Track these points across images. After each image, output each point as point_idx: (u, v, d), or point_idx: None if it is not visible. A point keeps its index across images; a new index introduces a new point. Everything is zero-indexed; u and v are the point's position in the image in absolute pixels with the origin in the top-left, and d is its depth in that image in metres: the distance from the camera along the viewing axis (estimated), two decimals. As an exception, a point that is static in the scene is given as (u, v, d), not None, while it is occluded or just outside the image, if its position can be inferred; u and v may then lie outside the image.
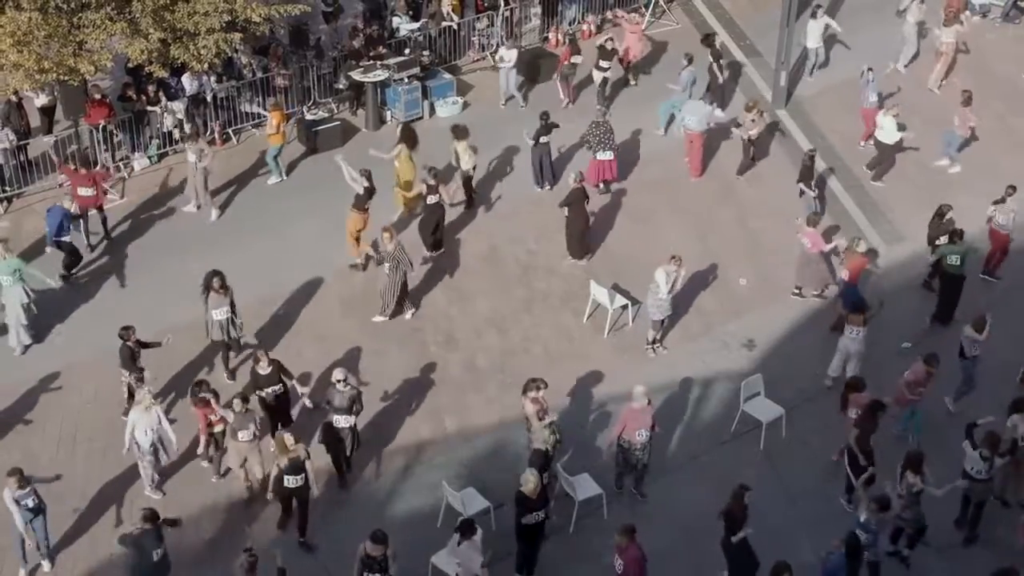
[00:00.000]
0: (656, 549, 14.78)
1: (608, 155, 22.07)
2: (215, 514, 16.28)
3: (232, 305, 17.81)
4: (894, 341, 19.20)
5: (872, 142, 23.58)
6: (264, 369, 16.62)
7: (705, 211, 22.47)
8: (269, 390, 16.65)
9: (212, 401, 16.20)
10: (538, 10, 27.20)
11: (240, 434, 15.95)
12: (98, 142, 22.23)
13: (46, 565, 15.43)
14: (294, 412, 16.93)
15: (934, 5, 26.81)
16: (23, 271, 18.46)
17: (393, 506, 16.59)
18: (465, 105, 25.18)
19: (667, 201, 22.70)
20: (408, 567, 14.78)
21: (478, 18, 26.71)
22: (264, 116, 23.07)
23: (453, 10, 26.29)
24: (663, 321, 19.02)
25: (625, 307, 19.76)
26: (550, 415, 16.02)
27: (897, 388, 17.14)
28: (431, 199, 20.55)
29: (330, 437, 16.31)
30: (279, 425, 16.74)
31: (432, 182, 20.47)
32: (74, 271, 20.04)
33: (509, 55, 24.96)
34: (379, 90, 24.41)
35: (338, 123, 24.06)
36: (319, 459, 16.14)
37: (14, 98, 21.97)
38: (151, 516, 14.23)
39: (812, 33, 26.10)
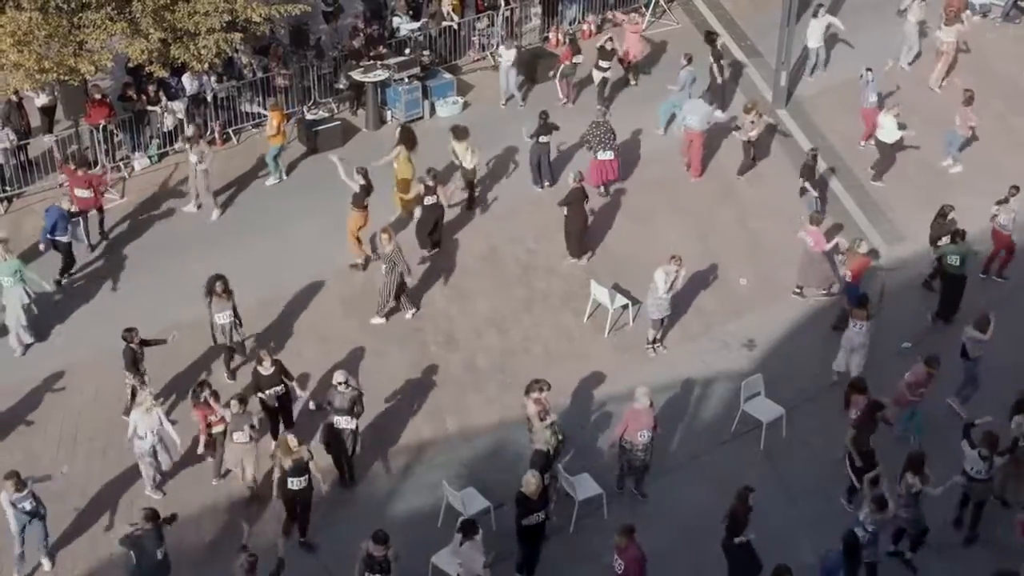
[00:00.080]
0: (656, 549, 14.78)
1: (608, 155, 22.06)
2: (215, 514, 16.29)
3: (234, 308, 17.81)
4: (894, 341, 19.20)
5: (872, 142, 23.59)
6: (266, 369, 16.62)
7: (705, 211, 22.47)
8: (270, 391, 16.65)
9: (212, 402, 16.21)
10: (538, 10, 27.19)
11: (235, 435, 15.97)
12: (98, 142, 22.23)
13: (46, 564, 15.43)
14: (294, 412, 16.92)
15: (934, 5, 26.79)
16: (23, 272, 18.48)
17: (393, 506, 16.60)
18: (465, 105, 25.18)
19: (667, 201, 22.70)
20: (408, 567, 14.78)
21: (478, 18, 26.71)
22: (265, 116, 23.07)
23: (453, 10, 26.28)
24: (663, 320, 19.03)
25: (625, 307, 19.76)
26: (551, 415, 16.02)
27: (897, 389, 17.14)
28: (429, 200, 20.55)
29: (331, 438, 16.32)
30: (280, 426, 16.76)
31: (430, 183, 20.47)
32: (70, 273, 20.00)
33: (508, 54, 24.97)
34: (379, 90, 24.41)
35: (338, 123, 24.06)
36: (321, 459, 16.13)
37: (14, 98, 21.97)
38: (152, 516, 14.23)
39: (814, 32, 26.09)
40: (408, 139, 21.51)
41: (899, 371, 17.51)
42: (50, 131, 23.00)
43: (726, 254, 21.37)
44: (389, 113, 24.73)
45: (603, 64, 24.79)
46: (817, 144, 23.47)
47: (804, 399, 18.37)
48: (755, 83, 26.30)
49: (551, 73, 25.58)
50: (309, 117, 24.08)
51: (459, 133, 21.78)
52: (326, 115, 24.31)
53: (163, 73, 21.82)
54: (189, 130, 22.36)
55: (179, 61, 21.72)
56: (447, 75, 25.51)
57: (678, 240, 20.97)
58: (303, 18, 24.88)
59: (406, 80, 24.52)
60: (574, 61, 25.14)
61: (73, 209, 19.99)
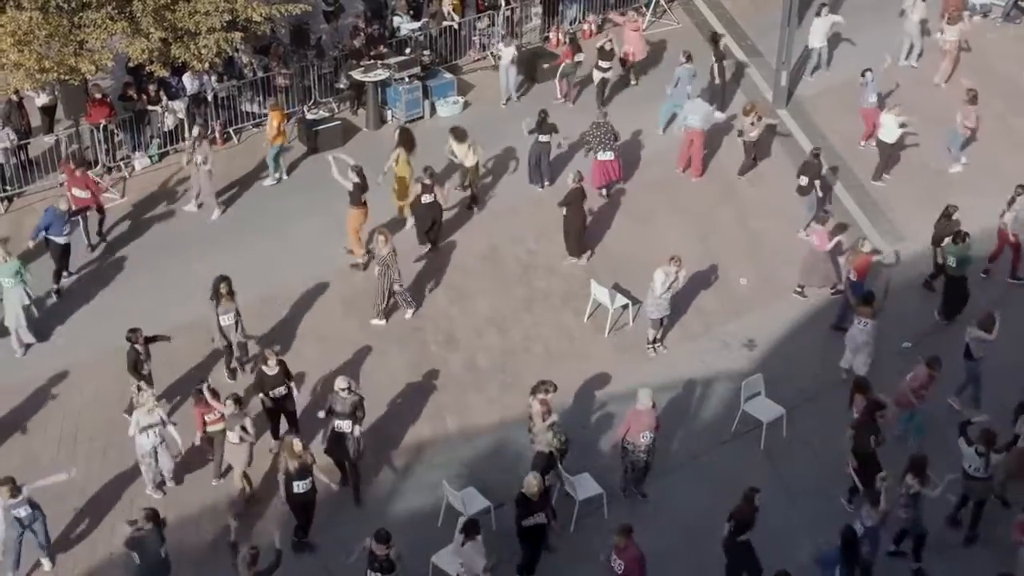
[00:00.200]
0: (656, 549, 14.80)
1: (608, 155, 22.04)
2: (215, 514, 16.27)
3: (237, 310, 17.80)
4: (895, 341, 19.19)
5: (873, 142, 23.59)
6: (271, 369, 16.61)
7: (706, 211, 22.47)
8: (274, 392, 16.65)
9: (211, 399, 16.20)
10: (539, 10, 27.20)
11: (230, 435, 15.99)
12: (99, 141, 22.24)
13: (46, 564, 15.42)
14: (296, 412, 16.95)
15: (935, 5, 26.77)
16: (24, 273, 18.48)
17: (394, 505, 16.60)
18: (466, 105, 25.18)
19: (667, 201, 22.70)
20: (409, 567, 14.77)
21: (479, 17, 26.71)
22: (265, 115, 23.06)
23: (454, 9, 26.29)
24: (662, 320, 19.02)
25: (626, 307, 19.76)
26: (552, 416, 16.02)
27: (899, 390, 17.12)
28: (426, 198, 20.55)
29: (332, 442, 16.31)
30: (281, 427, 16.75)
31: (428, 181, 20.48)
32: (69, 272, 19.96)
33: (507, 52, 24.97)
34: (380, 89, 24.41)
35: (339, 123, 24.06)
36: (322, 460, 16.12)
37: (15, 97, 21.99)
38: (152, 516, 14.24)
39: (817, 32, 26.07)
40: (407, 141, 21.50)
41: (899, 370, 17.52)
42: (51, 131, 23.01)
43: (726, 254, 21.36)
44: (389, 113, 24.73)
45: (603, 64, 24.79)
46: (817, 144, 23.45)
47: (804, 399, 18.37)
48: (755, 83, 26.30)
49: (545, 65, 25.53)
50: (309, 117, 24.08)
51: (459, 134, 21.78)
52: (326, 115, 24.31)
53: (164, 72, 21.82)
54: (195, 130, 22.36)
55: (180, 60, 21.72)
56: (448, 75, 25.51)
57: (678, 240, 20.98)
58: (304, 17, 24.88)
59: (406, 80, 24.52)
60: (576, 60, 25.15)
61: (72, 208, 19.98)
